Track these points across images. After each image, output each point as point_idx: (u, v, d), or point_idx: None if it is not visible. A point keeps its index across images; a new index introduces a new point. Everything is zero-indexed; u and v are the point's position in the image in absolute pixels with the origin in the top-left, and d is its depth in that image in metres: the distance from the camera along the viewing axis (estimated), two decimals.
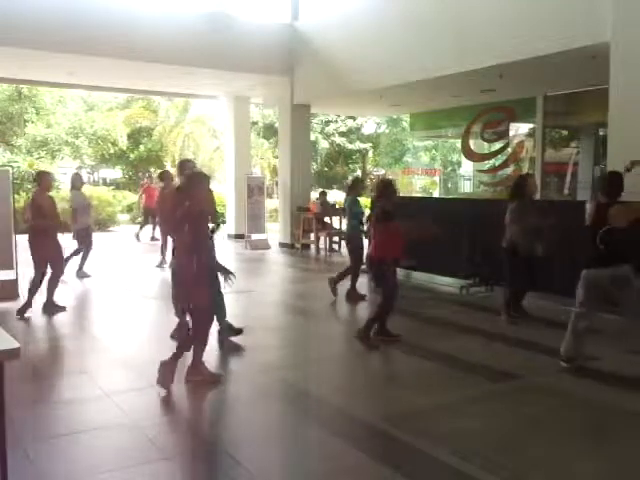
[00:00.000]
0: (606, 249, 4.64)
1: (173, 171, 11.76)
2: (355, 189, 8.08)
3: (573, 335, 4.95)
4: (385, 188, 5.66)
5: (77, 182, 9.50)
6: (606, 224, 4.61)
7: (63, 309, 7.04)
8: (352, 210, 7.82)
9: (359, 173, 30.89)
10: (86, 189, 14.05)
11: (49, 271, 6.96)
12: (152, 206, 15.18)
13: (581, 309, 4.88)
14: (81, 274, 9.21)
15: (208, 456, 3.53)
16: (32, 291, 6.86)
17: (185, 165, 6.10)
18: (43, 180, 7.02)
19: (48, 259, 6.87)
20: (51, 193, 7.22)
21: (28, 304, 6.82)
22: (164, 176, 10.57)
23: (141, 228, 15.17)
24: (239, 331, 5.85)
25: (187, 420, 4.11)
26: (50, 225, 6.86)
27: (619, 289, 4.73)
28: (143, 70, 12.47)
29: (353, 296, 7.73)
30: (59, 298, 7.18)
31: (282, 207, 14.16)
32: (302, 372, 5.10)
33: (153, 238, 14.74)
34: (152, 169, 27.68)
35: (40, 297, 7.00)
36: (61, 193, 15.51)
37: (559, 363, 4.97)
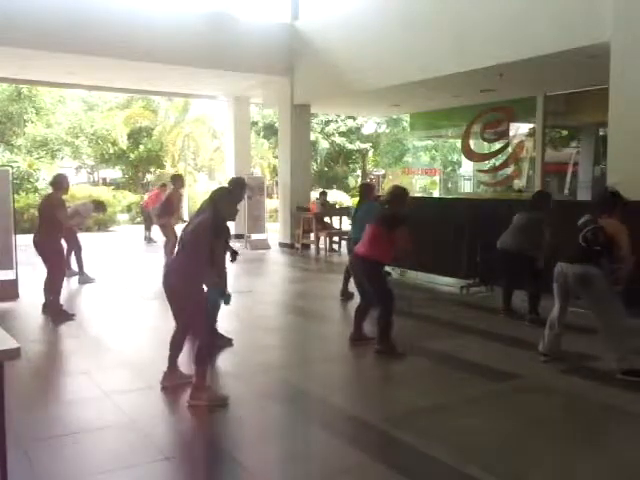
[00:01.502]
0: (587, 247, 4.76)
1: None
2: (371, 194, 7.80)
3: (549, 330, 5.09)
4: (398, 196, 5.55)
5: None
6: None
7: (72, 317, 6.73)
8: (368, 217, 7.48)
9: (359, 173, 30.92)
10: (86, 189, 14.04)
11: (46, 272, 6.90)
12: (147, 207, 15.24)
13: (556, 303, 5.05)
14: (83, 279, 8.99)
15: (208, 456, 3.54)
16: (57, 292, 6.79)
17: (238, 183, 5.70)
18: (63, 183, 6.98)
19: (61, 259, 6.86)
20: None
21: (57, 306, 6.77)
22: (176, 179, 10.47)
23: (147, 229, 15.06)
24: (228, 341, 5.72)
25: (187, 420, 4.11)
26: (61, 227, 6.88)
27: (582, 288, 4.80)
28: (143, 70, 12.47)
29: (345, 293, 7.80)
30: (65, 301, 7.08)
31: (282, 207, 14.16)
32: (302, 372, 5.10)
33: (149, 239, 14.73)
34: (152, 169, 27.70)
35: (40, 298, 7.02)
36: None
37: (539, 358, 5.11)
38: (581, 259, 4.79)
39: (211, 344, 4.37)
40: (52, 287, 6.82)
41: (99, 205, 10.05)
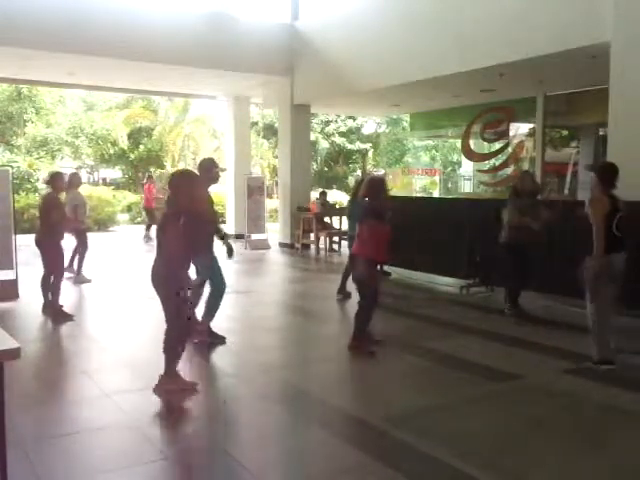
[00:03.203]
0: (621, 235, 4.82)
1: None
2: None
3: (604, 332, 4.92)
4: (374, 187, 5.48)
5: (76, 181, 9.46)
6: (617, 212, 4.80)
7: (71, 318, 6.69)
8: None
9: (359, 173, 30.91)
10: (86, 189, 13.88)
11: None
12: (148, 206, 15.24)
13: (601, 302, 4.89)
14: (79, 279, 8.93)
15: (208, 456, 3.53)
16: (56, 293, 6.80)
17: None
18: (57, 181, 7.03)
19: (59, 259, 6.87)
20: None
21: (57, 306, 6.78)
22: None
23: (147, 229, 15.03)
24: (222, 340, 5.77)
25: (187, 420, 4.11)
26: (61, 226, 6.89)
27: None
28: (143, 70, 12.47)
29: (343, 292, 7.84)
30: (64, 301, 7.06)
31: (282, 207, 14.16)
32: (302, 372, 5.11)
33: (148, 238, 14.70)
34: (152, 169, 27.67)
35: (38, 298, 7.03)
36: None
37: (599, 368, 4.89)
38: (623, 246, 4.86)
39: (185, 332, 4.39)
40: (52, 287, 6.81)
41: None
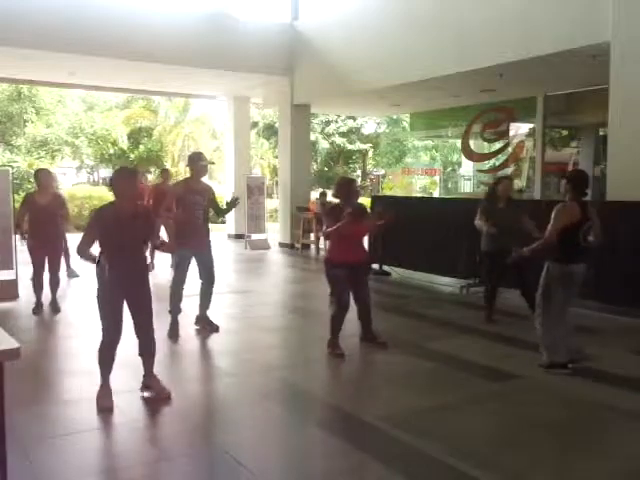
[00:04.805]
0: (585, 245, 4.75)
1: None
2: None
3: (564, 336, 4.93)
4: (343, 187, 5.41)
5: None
6: (587, 221, 4.71)
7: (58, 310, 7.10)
8: None
9: (359, 173, 30.94)
10: (86, 189, 13.80)
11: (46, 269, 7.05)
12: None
13: (563, 307, 4.89)
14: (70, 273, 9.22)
15: (208, 456, 3.53)
16: (36, 289, 7.00)
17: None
18: (40, 178, 7.08)
19: (47, 257, 6.99)
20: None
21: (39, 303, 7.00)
22: (164, 174, 10.61)
23: None
24: (216, 328, 6.19)
25: (187, 420, 4.10)
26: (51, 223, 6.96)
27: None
28: (143, 70, 12.47)
29: None
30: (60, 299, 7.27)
31: (282, 207, 14.17)
32: (302, 372, 5.10)
33: None
34: (152, 169, 27.68)
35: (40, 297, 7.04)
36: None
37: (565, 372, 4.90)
38: (586, 256, 4.80)
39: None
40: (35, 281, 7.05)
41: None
